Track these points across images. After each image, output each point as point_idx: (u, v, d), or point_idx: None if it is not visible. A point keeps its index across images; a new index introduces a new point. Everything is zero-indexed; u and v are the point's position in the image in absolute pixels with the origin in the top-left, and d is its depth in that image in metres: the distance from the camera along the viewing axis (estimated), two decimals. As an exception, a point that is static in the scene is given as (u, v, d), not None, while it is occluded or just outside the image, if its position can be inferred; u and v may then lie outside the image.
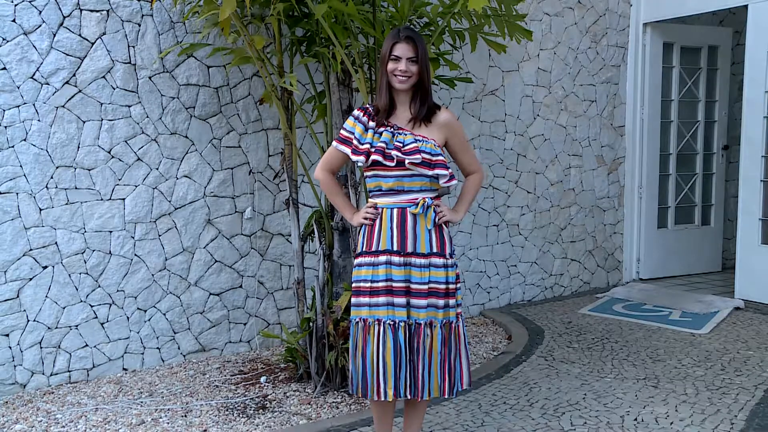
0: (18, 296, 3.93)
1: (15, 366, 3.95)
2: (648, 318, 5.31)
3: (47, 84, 3.93)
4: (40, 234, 3.97)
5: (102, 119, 4.11)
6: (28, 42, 3.87)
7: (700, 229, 6.82)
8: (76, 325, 4.11)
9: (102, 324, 4.18)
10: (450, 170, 2.85)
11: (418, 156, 2.77)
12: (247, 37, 3.73)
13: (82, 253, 4.09)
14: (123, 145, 4.18)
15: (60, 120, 3.98)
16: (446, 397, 2.88)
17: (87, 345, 4.15)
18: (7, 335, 3.91)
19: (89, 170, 4.09)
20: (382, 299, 2.79)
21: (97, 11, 4.04)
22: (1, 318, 3.89)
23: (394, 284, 2.80)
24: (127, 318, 4.26)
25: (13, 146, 3.87)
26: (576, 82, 6.09)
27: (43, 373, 4.02)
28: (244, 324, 4.67)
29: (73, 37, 3.98)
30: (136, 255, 4.26)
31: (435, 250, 2.84)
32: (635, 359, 4.37)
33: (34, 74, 3.90)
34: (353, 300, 2.88)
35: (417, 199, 2.83)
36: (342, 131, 2.92)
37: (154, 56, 4.22)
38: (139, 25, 4.18)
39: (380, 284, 2.80)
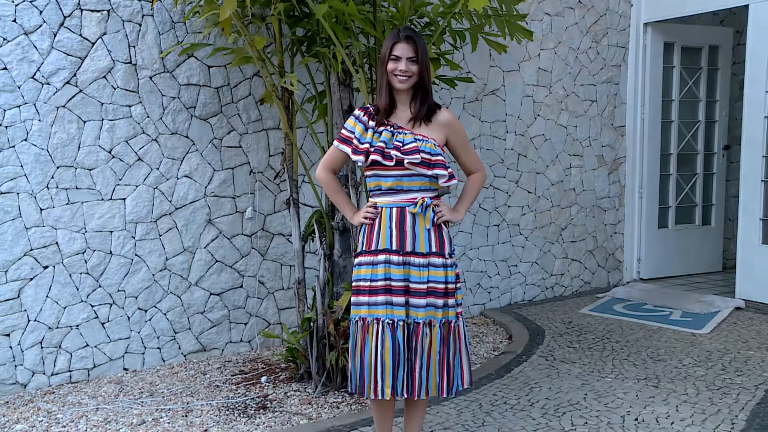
0: (19, 296, 3.93)
1: (16, 366, 3.95)
2: (649, 318, 5.31)
3: (48, 84, 3.94)
4: (41, 234, 3.97)
5: (103, 119, 4.11)
6: (29, 42, 3.87)
7: (701, 229, 6.82)
8: (77, 325, 4.11)
9: (103, 324, 4.19)
10: (450, 170, 2.85)
11: (417, 156, 2.77)
12: (247, 37, 3.73)
13: (83, 253, 4.09)
14: (124, 145, 4.18)
15: (61, 120, 3.98)
16: (444, 396, 2.88)
17: (88, 345, 4.15)
18: (8, 335, 3.92)
19: (90, 170, 4.09)
20: (380, 298, 2.79)
21: (98, 11, 4.04)
22: (2, 318, 3.89)
23: (393, 283, 2.80)
24: (128, 318, 4.26)
25: (13, 146, 3.87)
26: (576, 81, 6.09)
27: (43, 373, 4.03)
28: (245, 324, 4.67)
29: (73, 37, 3.99)
30: (136, 255, 4.26)
31: (434, 249, 2.84)
32: (636, 359, 4.37)
33: (34, 74, 3.90)
34: (353, 299, 2.88)
35: (416, 198, 2.83)
36: (343, 131, 2.93)
37: (155, 56, 4.22)
38: (140, 25, 4.18)
39: (379, 283, 2.80)
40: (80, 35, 4.01)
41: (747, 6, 5.64)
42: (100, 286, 4.16)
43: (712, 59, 6.69)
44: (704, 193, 6.83)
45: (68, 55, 3.98)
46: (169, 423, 3.52)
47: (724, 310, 5.42)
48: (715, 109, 6.77)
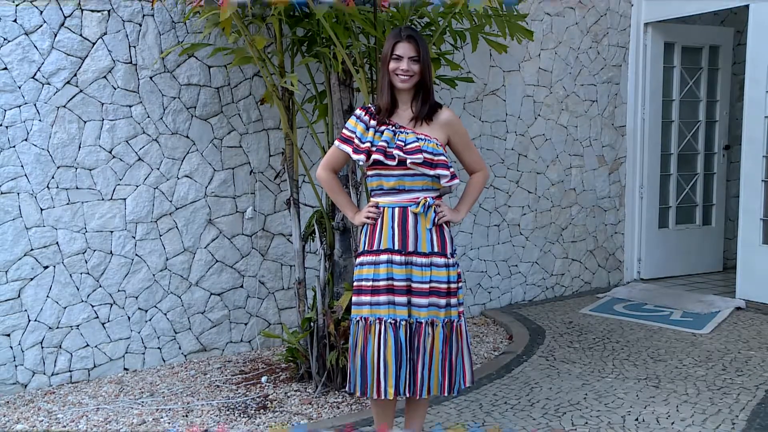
0: (19, 296, 3.93)
1: (16, 366, 3.95)
2: (649, 318, 5.31)
3: (48, 84, 3.94)
4: (41, 234, 3.97)
5: (103, 119, 4.11)
6: (30, 42, 3.87)
7: (701, 229, 6.82)
8: (77, 325, 4.11)
9: (103, 324, 4.19)
10: (452, 169, 2.85)
11: (419, 156, 2.77)
12: (248, 37, 3.73)
13: (83, 253, 4.09)
14: (124, 145, 4.18)
15: (61, 120, 3.98)
16: (446, 395, 2.89)
17: (88, 345, 4.15)
18: (9, 335, 3.92)
19: (90, 170, 4.09)
20: (383, 298, 2.79)
21: (98, 11, 4.04)
22: (3, 318, 3.89)
23: (396, 283, 2.80)
24: (128, 318, 4.26)
25: (14, 146, 3.87)
26: (577, 81, 6.09)
27: (44, 373, 4.03)
28: (245, 324, 4.67)
29: (74, 37, 3.99)
30: (137, 255, 4.26)
31: (436, 249, 2.84)
32: (636, 359, 4.37)
33: (35, 74, 3.90)
34: (354, 299, 2.88)
35: (418, 198, 2.83)
36: (344, 130, 2.93)
37: (155, 56, 4.22)
38: (140, 25, 4.18)
39: (381, 283, 2.80)
40: (81, 35, 4.01)
41: (747, 6, 5.64)
42: (100, 286, 4.16)
43: (713, 59, 6.69)
44: (705, 193, 6.83)
45: (68, 55, 3.98)
46: (169, 423, 3.52)
47: (724, 310, 5.42)
48: (715, 109, 6.76)
